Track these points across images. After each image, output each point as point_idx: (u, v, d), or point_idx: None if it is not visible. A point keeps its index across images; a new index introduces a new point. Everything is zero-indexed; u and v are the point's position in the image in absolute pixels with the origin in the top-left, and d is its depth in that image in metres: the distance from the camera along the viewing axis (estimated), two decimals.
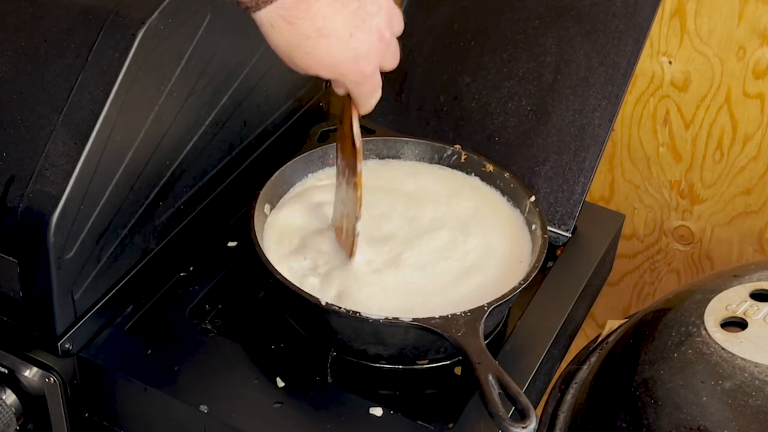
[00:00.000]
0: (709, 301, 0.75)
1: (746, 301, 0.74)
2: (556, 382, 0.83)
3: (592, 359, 0.83)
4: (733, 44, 0.94)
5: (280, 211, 0.83)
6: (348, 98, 0.73)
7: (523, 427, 0.65)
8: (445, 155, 0.89)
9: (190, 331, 0.78)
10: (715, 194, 1.03)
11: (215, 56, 0.79)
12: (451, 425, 0.72)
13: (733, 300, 0.75)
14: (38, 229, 0.68)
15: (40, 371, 0.75)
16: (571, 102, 0.91)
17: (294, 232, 0.82)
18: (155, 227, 0.80)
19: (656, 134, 1.02)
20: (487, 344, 0.71)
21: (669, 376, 0.71)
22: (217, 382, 0.73)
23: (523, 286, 0.75)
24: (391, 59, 0.70)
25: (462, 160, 0.88)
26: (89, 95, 0.70)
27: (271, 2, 0.62)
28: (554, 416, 0.80)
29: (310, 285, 0.77)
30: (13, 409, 0.77)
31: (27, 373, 0.76)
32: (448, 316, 0.71)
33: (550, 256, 0.87)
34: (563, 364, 0.86)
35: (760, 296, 0.75)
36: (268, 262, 0.76)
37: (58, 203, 0.68)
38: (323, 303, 0.72)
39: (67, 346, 0.74)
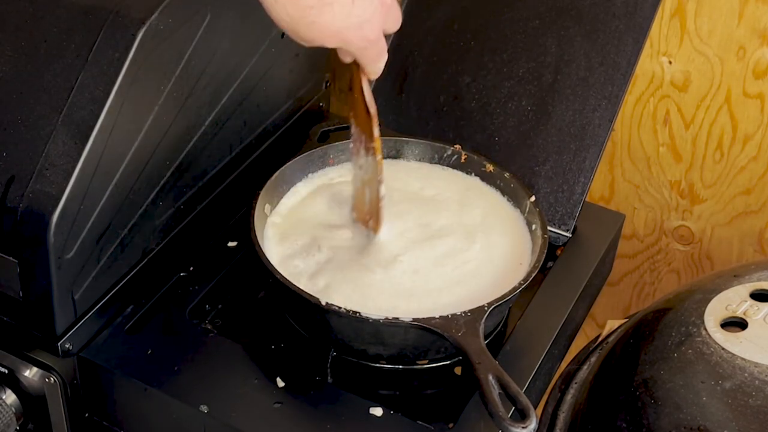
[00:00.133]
0: (709, 301, 0.75)
1: (746, 301, 0.74)
2: (556, 382, 0.83)
3: (592, 359, 0.83)
4: (733, 44, 0.94)
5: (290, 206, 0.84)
6: (355, 65, 0.73)
7: (523, 427, 0.65)
8: (445, 155, 0.89)
9: (190, 331, 0.78)
10: (715, 194, 1.03)
11: (215, 56, 0.79)
12: (451, 425, 0.72)
13: (733, 300, 0.75)
14: (38, 229, 0.68)
15: (41, 371, 0.75)
16: (571, 102, 0.91)
17: (300, 229, 0.82)
18: (155, 227, 0.80)
19: (656, 134, 1.02)
20: (487, 344, 0.71)
21: (669, 376, 0.71)
22: (217, 382, 0.73)
23: (523, 286, 0.75)
24: (394, 22, 0.71)
25: (462, 160, 0.88)
26: (89, 95, 0.70)
27: None
28: (554, 416, 0.80)
29: (300, 274, 0.77)
30: (13, 409, 0.77)
31: (27, 373, 0.76)
32: (448, 316, 0.71)
33: (550, 256, 0.87)
34: (563, 364, 0.86)
35: (760, 296, 0.75)
36: (268, 262, 0.76)
37: (58, 203, 0.68)
38: (323, 303, 0.72)
39: (67, 346, 0.74)
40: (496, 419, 0.65)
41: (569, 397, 0.81)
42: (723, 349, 0.71)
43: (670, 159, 1.03)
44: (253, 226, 0.78)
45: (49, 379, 0.75)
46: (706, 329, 0.72)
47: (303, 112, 0.97)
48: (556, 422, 0.79)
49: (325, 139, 0.94)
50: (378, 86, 0.98)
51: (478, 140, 0.93)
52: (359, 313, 0.71)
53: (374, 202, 0.79)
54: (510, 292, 0.74)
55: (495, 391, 0.67)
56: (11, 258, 0.71)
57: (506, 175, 0.86)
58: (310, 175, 0.87)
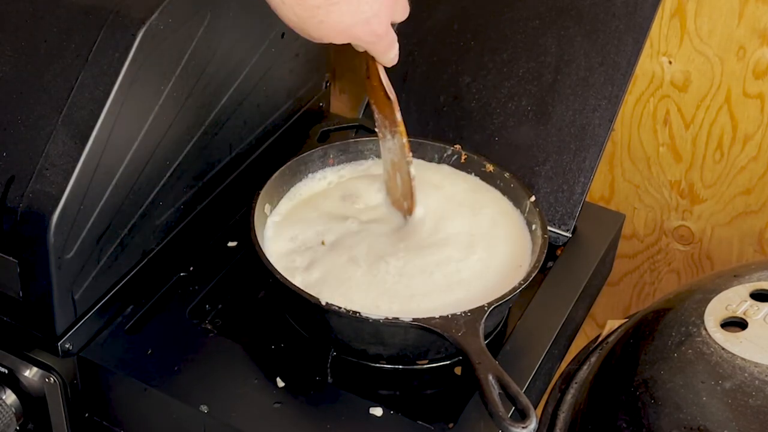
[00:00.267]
0: (709, 301, 0.75)
1: (746, 301, 0.74)
2: (556, 382, 0.83)
3: (592, 359, 0.83)
4: (733, 44, 0.94)
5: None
6: (370, 55, 0.74)
7: (523, 427, 0.65)
8: (445, 155, 0.89)
9: (190, 331, 0.78)
10: (715, 194, 1.03)
11: (215, 56, 0.79)
12: (451, 425, 0.72)
13: (733, 300, 0.75)
14: (38, 229, 0.68)
15: (41, 371, 0.75)
16: (571, 102, 0.91)
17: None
18: (155, 227, 0.80)
19: (656, 134, 1.02)
20: (487, 344, 0.71)
21: (669, 376, 0.71)
22: (217, 382, 0.73)
23: (523, 287, 0.75)
24: (402, 12, 0.72)
25: (462, 160, 0.89)
26: (89, 95, 0.70)
27: None
28: (554, 416, 0.80)
29: (296, 269, 0.78)
30: (13, 409, 0.77)
31: (27, 373, 0.76)
32: (448, 316, 0.71)
33: (550, 256, 0.88)
34: (563, 364, 0.86)
35: (760, 296, 0.75)
36: (268, 262, 0.76)
37: (58, 203, 0.68)
38: (323, 303, 0.72)
39: (67, 346, 0.74)
40: (496, 419, 0.66)
41: (569, 397, 0.81)
42: (723, 349, 0.71)
43: (670, 159, 1.03)
44: (253, 226, 0.78)
45: (49, 379, 0.75)
46: (706, 329, 0.73)
47: (303, 112, 0.97)
48: (556, 422, 0.79)
49: (325, 138, 0.94)
50: None
51: (478, 140, 0.93)
52: (359, 313, 0.71)
53: (406, 183, 0.81)
54: (510, 292, 0.74)
55: (495, 391, 0.67)
56: (11, 258, 0.71)
57: (506, 175, 0.86)
58: (310, 174, 0.87)
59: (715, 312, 0.74)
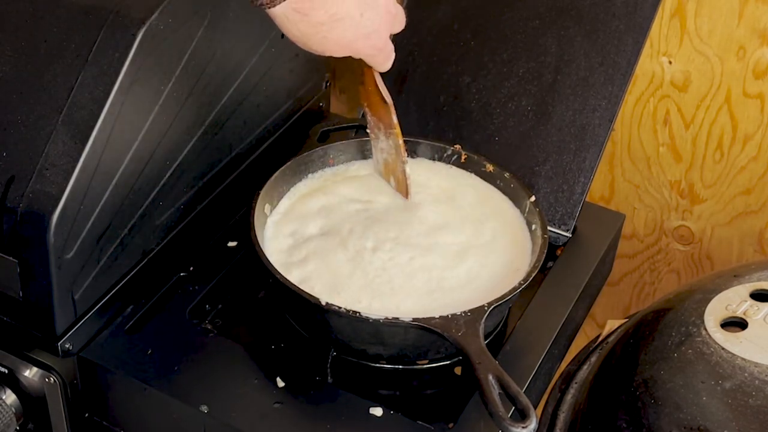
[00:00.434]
0: (709, 301, 0.75)
1: (746, 301, 0.74)
2: (556, 382, 0.84)
3: (592, 359, 0.84)
4: (733, 44, 0.94)
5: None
6: (365, 63, 0.77)
7: (523, 427, 0.65)
8: (445, 155, 0.89)
9: (190, 331, 0.78)
10: (715, 194, 1.03)
11: (215, 56, 0.80)
12: (451, 425, 0.72)
13: (733, 300, 0.75)
14: (38, 229, 0.68)
15: (41, 371, 0.76)
16: (571, 102, 0.91)
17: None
18: (155, 227, 0.80)
19: (656, 134, 1.02)
20: (487, 344, 0.71)
21: (669, 376, 0.71)
22: (217, 382, 0.74)
23: (523, 286, 0.75)
24: (399, 24, 0.75)
25: (462, 160, 0.89)
26: (89, 95, 0.70)
27: None
28: (554, 416, 0.80)
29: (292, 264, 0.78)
30: (13, 409, 0.77)
31: (27, 373, 0.76)
32: (448, 316, 0.72)
33: (550, 256, 0.88)
34: (563, 364, 0.86)
35: (760, 296, 0.75)
36: (268, 262, 0.76)
37: (58, 203, 0.68)
38: (323, 303, 0.72)
39: (67, 346, 0.74)
40: (496, 419, 0.66)
41: (569, 397, 0.81)
42: (723, 349, 0.71)
43: (670, 159, 1.03)
44: (253, 226, 0.79)
45: (49, 379, 0.75)
46: (706, 329, 0.73)
47: (303, 112, 0.97)
48: (556, 422, 0.79)
49: (325, 138, 0.94)
50: None
51: (478, 140, 0.93)
52: (359, 313, 0.72)
53: (401, 180, 0.82)
54: (510, 292, 0.75)
55: (495, 391, 0.67)
56: (11, 258, 0.71)
57: (506, 175, 0.86)
58: (310, 174, 0.88)
59: (715, 312, 0.74)
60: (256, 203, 0.81)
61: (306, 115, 0.98)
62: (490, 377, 0.67)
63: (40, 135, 0.70)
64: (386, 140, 0.82)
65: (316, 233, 0.82)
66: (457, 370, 0.78)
